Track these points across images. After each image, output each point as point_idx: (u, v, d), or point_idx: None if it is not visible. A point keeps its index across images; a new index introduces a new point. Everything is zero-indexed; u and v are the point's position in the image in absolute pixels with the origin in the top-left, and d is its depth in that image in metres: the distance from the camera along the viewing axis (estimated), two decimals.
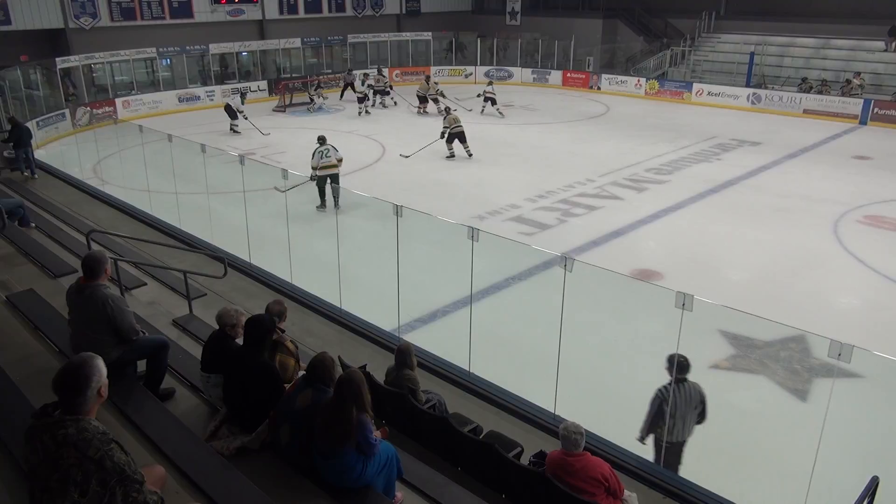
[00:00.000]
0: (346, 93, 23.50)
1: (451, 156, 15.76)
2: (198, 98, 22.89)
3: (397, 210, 6.93)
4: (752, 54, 23.41)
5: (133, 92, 21.85)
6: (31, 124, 15.27)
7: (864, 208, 12.29)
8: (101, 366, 2.80)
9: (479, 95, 20.98)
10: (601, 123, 20.47)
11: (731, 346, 7.61)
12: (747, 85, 22.83)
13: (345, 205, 12.00)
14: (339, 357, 5.00)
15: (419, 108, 21.33)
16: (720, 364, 7.30)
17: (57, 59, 19.60)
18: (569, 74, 26.57)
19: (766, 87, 22.45)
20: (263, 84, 24.37)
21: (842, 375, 5.54)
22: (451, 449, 4.75)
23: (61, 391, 2.71)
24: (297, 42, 26.03)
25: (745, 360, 7.46)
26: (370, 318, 7.64)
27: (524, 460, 4.63)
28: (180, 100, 22.53)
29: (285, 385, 4.21)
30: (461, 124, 15.63)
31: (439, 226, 8.81)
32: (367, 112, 21.26)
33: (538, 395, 6.04)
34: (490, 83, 22.30)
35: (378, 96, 22.44)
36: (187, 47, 23.07)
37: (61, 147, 17.57)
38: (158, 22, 23.31)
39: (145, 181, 11.86)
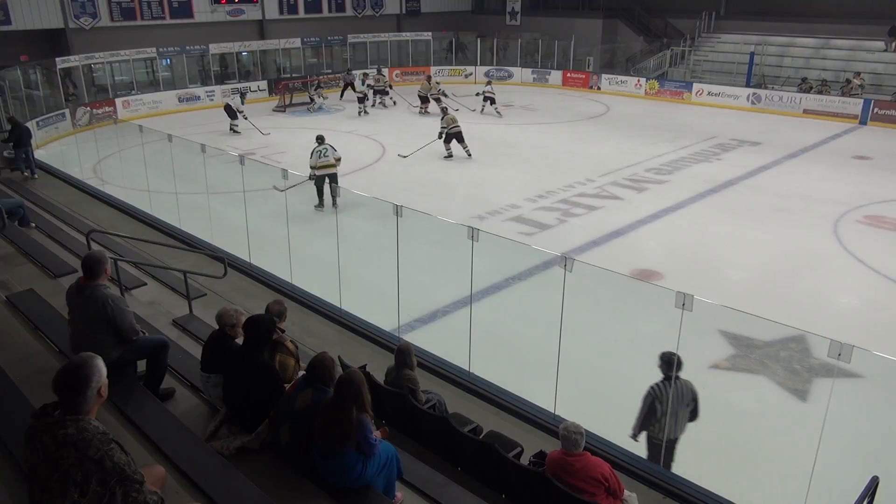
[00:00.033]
0: (346, 93, 23.51)
1: (449, 156, 15.76)
2: (198, 98, 22.89)
3: (397, 210, 6.93)
4: (752, 54, 23.41)
5: (133, 92, 21.85)
6: (31, 124, 15.27)
7: (864, 208, 12.29)
8: (101, 366, 2.80)
9: (477, 94, 21.04)
10: (601, 123, 20.47)
11: (731, 346, 7.61)
12: (747, 85, 22.82)
13: (345, 205, 12.00)
14: (339, 357, 5.00)
15: (421, 108, 21.32)
16: (720, 364, 7.30)
17: (57, 59, 19.60)
18: (569, 74, 26.57)
19: (766, 87, 22.45)
20: (263, 84, 24.37)
21: (842, 375, 5.54)
22: (451, 449, 4.75)
23: (61, 391, 2.71)
24: (297, 42, 26.03)
25: (745, 360, 7.46)
26: (370, 318, 7.64)
27: (524, 460, 4.63)
28: (180, 100, 22.53)
29: (285, 385, 4.21)
30: (458, 124, 15.64)
31: (439, 226, 8.82)
32: (365, 112, 21.26)
33: (538, 395, 6.04)
34: (488, 82, 22.36)
35: (378, 96, 22.45)
36: (187, 47, 23.07)
37: (61, 147, 17.57)
38: (158, 22, 23.32)
39: (145, 181, 11.86)
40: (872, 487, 4.18)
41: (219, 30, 24.38)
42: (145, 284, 7.63)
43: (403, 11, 30.48)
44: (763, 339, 7.65)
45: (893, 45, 22.00)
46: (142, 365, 4.68)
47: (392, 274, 7.33)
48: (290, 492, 3.72)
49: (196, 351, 5.20)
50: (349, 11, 28.73)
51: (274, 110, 22.23)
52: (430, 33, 29.00)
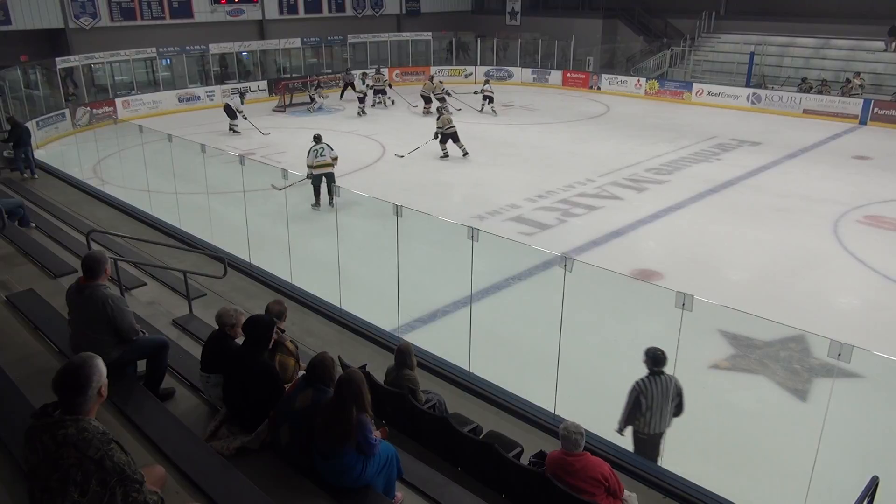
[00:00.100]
0: (345, 92, 23.52)
1: (445, 156, 15.75)
2: (198, 98, 22.89)
3: (397, 210, 6.93)
4: (751, 54, 23.41)
5: (133, 92, 21.85)
6: (31, 124, 15.27)
7: (864, 208, 12.29)
8: (101, 366, 2.80)
9: (476, 93, 21.07)
10: (601, 123, 20.48)
11: (731, 346, 7.61)
12: (747, 85, 22.83)
13: (344, 204, 11.98)
14: (339, 357, 5.00)
15: (425, 108, 21.30)
16: (720, 364, 7.30)
17: (57, 59, 19.59)
18: (569, 74, 26.57)
19: (765, 87, 22.45)
20: (263, 84, 24.37)
21: (842, 375, 5.54)
22: (451, 449, 4.75)
23: (61, 391, 2.71)
24: (297, 42, 26.03)
25: (745, 360, 7.46)
26: (370, 318, 7.64)
27: (524, 460, 4.63)
28: (180, 100, 22.53)
29: (285, 385, 4.21)
30: (454, 125, 15.64)
31: (439, 226, 8.82)
32: (363, 112, 21.26)
33: (538, 395, 6.04)
34: (487, 81, 22.38)
35: (377, 95, 22.45)
36: (187, 47, 23.07)
37: (61, 147, 17.57)
38: (158, 22, 23.32)
39: (145, 181, 11.86)
40: (872, 487, 4.18)
41: (219, 30, 24.38)
42: (145, 284, 7.63)
43: (403, 11, 30.49)
44: (763, 339, 7.65)
45: (893, 45, 22.00)
46: (142, 365, 4.68)
47: (392, 274, 7.33)
48: (290, 492, 3.72)
49: (196, 351, 5.20)
50: (349, 11, 28.74)
51: (274, 110, 22.23)
52: (430, 33, 29.00)
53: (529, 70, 27.56)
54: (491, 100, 20.83)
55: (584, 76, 26.19)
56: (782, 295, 8.94)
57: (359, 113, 21.19)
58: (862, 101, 19.96)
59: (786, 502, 5.36)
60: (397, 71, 27.39)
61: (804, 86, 21.38)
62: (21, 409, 3.76)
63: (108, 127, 17.91)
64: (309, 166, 12.01)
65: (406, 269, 7.42)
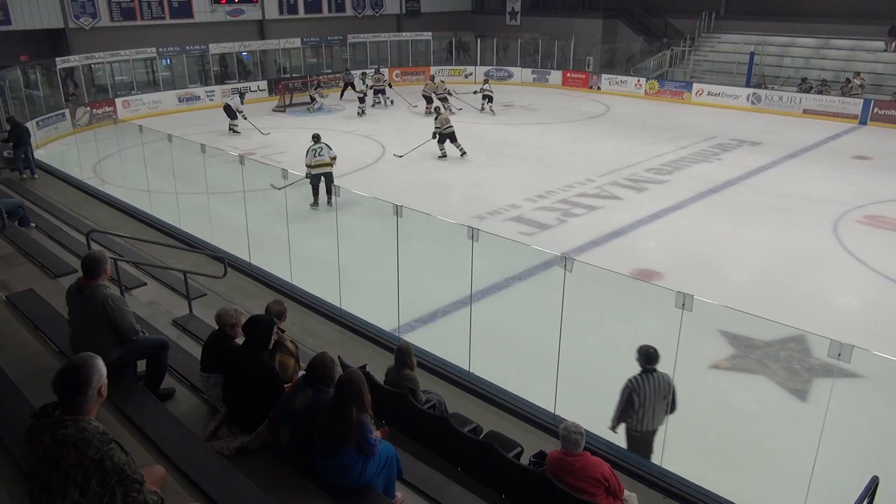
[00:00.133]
0: (345, 92, 23.52)
1: (443, 156, 15.75)
2: (198, 98, 22.89)
3: (397, 210, 6.93)
4: (751, 54, 23.41)
5: (133, 92, 21.84)
6: (30, 124, 15.27)
7: (864, 208, 12.29)
8: (101, 366, 2.80)
9: (475, 92, 21.08)
10: (601, 123, 20.48)
11: (731, 346, 7.61)
12: (747, 85, 22.82)
13: (344, 204, 11.97)
14: (339, 357, 5.00)
15: (427, 108, 21.27)
16: (720, 364, 7.30)
17: (57, 59, 19.59)
18: (569, 74, 26.57)
19: (765, 87, 22.45)
20: (263, 84, 24.37)
21: (842, 375, 5.54)
22: (451, 449, 4.75)
23: (61, 391, 2.71)
24: (297, 42, 26.03)
25: (745, 360, 7.46)
26: (370, 318, 7.64)
27: (524, 460, 4.63)
28: (180, 100, 22.53)
29: (285, 385, 4.21)
30: (452, 125, 15.65)
31: (439, 226, 8.82)
32: (363, 112, 21.25)
33: (538, 395, 6.04)
34: (486, 81, 22.39)
35: (377, 95, 22.45)
36: (187, 47, 23.07)
37: (61, 147, 17.57)
38: (158, 22, 23.32)
39: (145, 181, 11.86)
40: (872, 487, 4.18)
41: (219, 30, 24.38)
42: (145, 284, 7.63)
43: (403, 11, 30.49)
44: (763, 339, 7.65)
45: (893, 45, 22.00)
46: (142, 365, 4.68)
47: (392, 274, 7.33)
48: (290, 492, 3.72)
49: (196, 351, 5.20)
50: (349, 11, 28.74)
51: (274, 110, 22.23)
52: (430, 33, 29.00)
53: (529, 70, 27.56)
54: (490, 99, 20.85)
55: (584, 76, 26.19)
56: (782, 295, 8.94)
57: (359, 113, 21.19)
58: (862, 101, 19.96)
59: (786, 502, 5.36)
60: (397, 71, 27.38)
61: (804, 86, 21.38)
62: (21, 409, 3.76)
63: (108, 127, 17.90)
64: (307, 166, 12.01)
65: (406, 269, 7.42)
